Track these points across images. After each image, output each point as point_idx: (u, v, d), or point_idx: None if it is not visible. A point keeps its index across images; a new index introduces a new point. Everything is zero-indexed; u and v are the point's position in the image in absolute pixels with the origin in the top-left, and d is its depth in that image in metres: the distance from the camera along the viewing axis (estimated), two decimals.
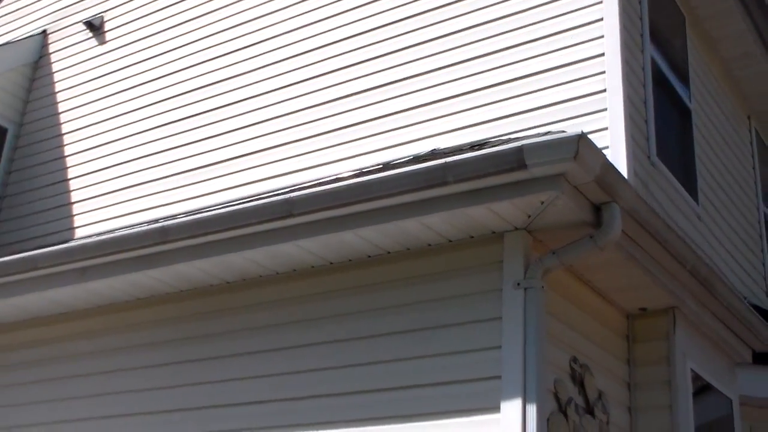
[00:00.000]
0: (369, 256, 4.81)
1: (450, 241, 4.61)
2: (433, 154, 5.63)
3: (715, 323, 5.65)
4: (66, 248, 5.27)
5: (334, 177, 6.24)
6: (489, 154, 4.10)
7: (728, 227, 7.94)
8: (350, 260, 4.87)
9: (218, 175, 7.22)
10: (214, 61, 7.78)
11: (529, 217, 4.30)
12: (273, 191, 6.61)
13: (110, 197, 7.80)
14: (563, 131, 4.34)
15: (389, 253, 4.77)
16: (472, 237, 4.54)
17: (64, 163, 8.28)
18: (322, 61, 7.12)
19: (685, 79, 7.41)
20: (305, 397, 4.76)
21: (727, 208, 7.97)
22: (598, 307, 5.11)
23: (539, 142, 4.00)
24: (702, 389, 5.71)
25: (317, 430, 4.64)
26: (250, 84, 7.44)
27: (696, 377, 5.44)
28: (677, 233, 4.92)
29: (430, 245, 4.66)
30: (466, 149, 4.96)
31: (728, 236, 7.90)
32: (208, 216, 4.76)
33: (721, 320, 5.68)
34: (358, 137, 6.64)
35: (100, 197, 7.87)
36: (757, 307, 7.96)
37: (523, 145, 4.00)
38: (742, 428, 6.39)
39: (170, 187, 7.42)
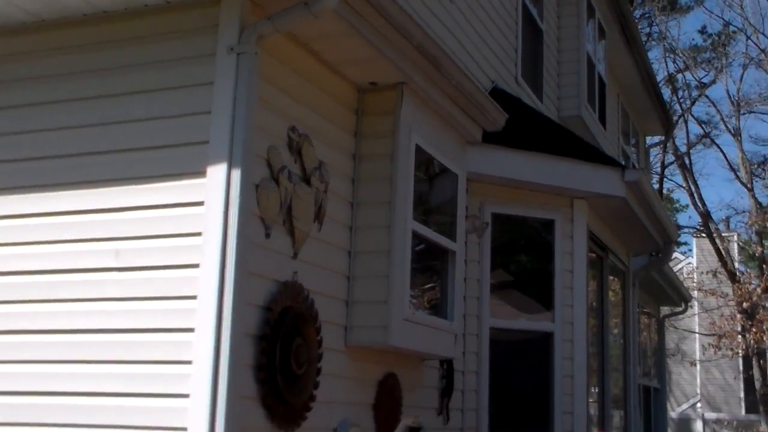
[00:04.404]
0: (84, 15, 4.60)
1: (168, 2, 4.46)
2: None
3: (445, 101, 5.85)
4: None
5: None
6: None
7: (484, 13, 8.12)
8: (65, 17, 4.64)
9: None
10: None
11: None
12: None
13: None
14: None
15: (105, 12, 4.57)
16: None
17: None
18: None
19: None
20: (27, 159, 4.66)
21: None
22: (326, 79, 5.14)
23: None
24: (430, 164, 6.00)
25: (35, 192, 4.58)
26: None
27: (421, 151, 5.67)
28: (402, 8, 4.96)
29: (146, 6, 4.49)
30: None
31: (483, 22, 8.10)
32: None
33: (451, 98, 5.88)
34: None
35: None
36: (504, 92, 8.33)
37: None
38: (470, 203, 6.81)
39: None
